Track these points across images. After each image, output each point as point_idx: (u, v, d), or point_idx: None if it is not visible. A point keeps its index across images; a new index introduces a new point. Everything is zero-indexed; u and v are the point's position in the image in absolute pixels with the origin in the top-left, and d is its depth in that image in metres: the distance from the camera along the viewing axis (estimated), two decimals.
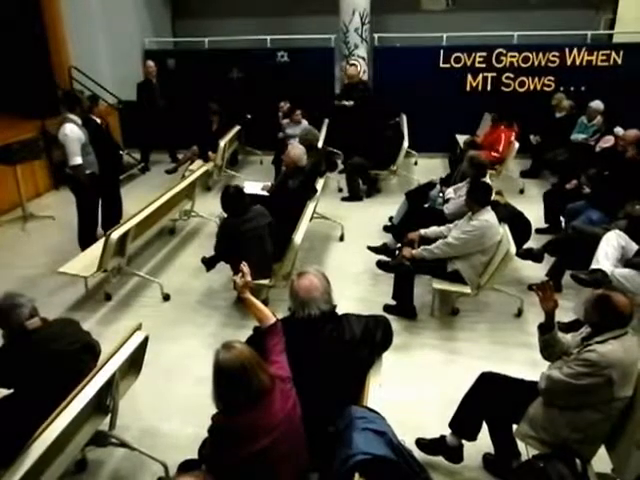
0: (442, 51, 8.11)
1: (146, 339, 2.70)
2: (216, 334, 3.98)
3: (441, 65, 8.15)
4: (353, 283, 4.68)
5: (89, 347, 2.62)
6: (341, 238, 5.65)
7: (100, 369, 2.42)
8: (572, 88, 7.87)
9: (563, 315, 3.67)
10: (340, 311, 2.40)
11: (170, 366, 3.64)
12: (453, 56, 8.10)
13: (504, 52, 8.05)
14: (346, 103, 7.50)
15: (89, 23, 8.35)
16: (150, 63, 8.03)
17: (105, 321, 4.25)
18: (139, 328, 2.69)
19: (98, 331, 3.70)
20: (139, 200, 5.04)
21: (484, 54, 8.07)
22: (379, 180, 7.00)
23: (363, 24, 8.57)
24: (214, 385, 1.93)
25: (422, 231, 4.28)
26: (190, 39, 9.10)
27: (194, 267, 4.80)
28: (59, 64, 7.84)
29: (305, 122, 7.30)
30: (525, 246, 4.56)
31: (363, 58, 8.71)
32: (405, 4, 9.69)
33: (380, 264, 4.38)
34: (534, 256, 4.54)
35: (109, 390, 2.59)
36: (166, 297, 4.54)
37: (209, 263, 4.26)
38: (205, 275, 4.44)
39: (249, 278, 2.44)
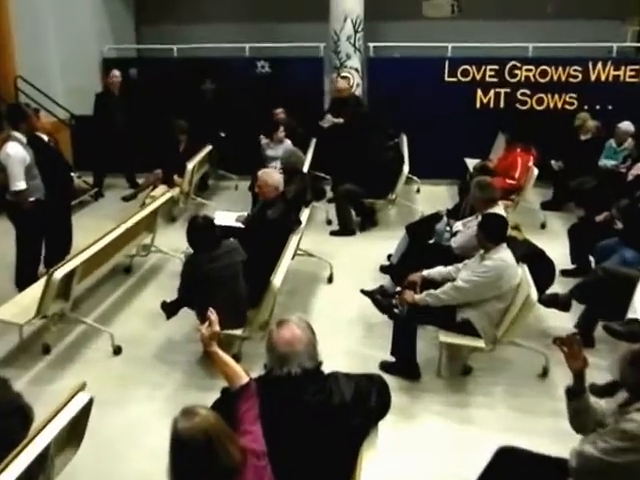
0: (447, 63, 8.22)
1: (90, 402, 2.60)
2: (175, 397, 3.87)
3: (447, 79, 8.22)
4: (344, 334, 4.60)
5: (20, 412, 2.48)
6: (329, 279, 5.59)
7: (31, 440, 2.29)
8: (597, 107, 7.98)
9: (597, 375, 3.54)
10: (327, 369, 2.33)
11: (118, 436, 3.51)
12: (460, 69, 8.17)
13: (518, 65, 8.17)
14: (335, 120, 7.52)
15: (39, 28, 8.36)
16: (116, 73, 8.07)
17: (41, 380, 4.13)
18: (82, 389, 2.59)
19: (32, 392, 3.47)
20: (90, 232, 4.98)
21: (496, 67, 8.17)
22: (375, 211, 6.91)
23: (356, 32, 8.67)
24: (171, 460, 1.85)
25: (426, 272, 4.22)
26: (156, 46, 9.15)
27: (152, 313, 4.70)
28: (3, 74, 7.83)
29: (288, 142, 7.26)
30: (549, 291, 4.53)
31: (356, 69, 8.78)
32: (404, 10, 9.91)
33: (375, 301, 4.40)
34: (560, 303, 4.48)
35: (42, 466, 2.43)
36: (117, 350, 4.45)
37: (170, 309, 4.18)
38: (165, 323, 4.33)
39: (217, 328, 2.38)
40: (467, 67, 8.15)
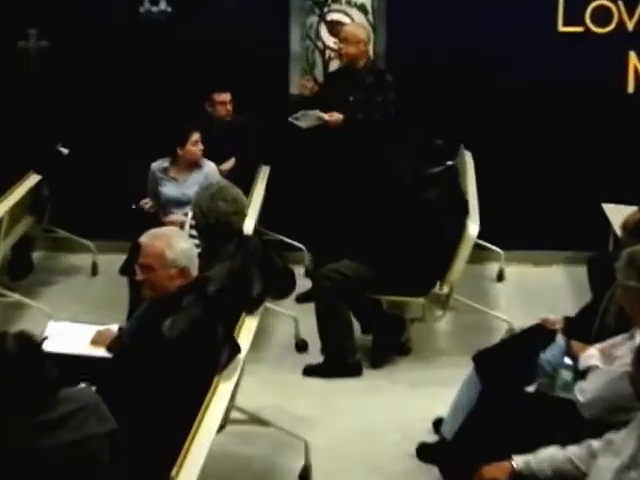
0: None
1: None
2: None
3: (561, 28, 6.00)
4: None
5: None
6: None
7: None
8: None
9: None
10: None
11: None
12: (591, 6, 5.90)
13: None
14: (324, 117, 5.52)
15: None
16: None
17: None
18: None
19: None
20: None
21: None
22: (405, 323, 5.27)
23: None
24: None
25: (520, 460, 3.13)
26: None
27: None
28: None
29: (211, 166, 5.37)
30: None
31: (362, 8, 6.48)
32: None
33: None
34: None
35: None
36: None
37: None
38: None
39: None
40: (607, 3, 5.95)
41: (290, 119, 5.65)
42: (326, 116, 5.58)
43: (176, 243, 3.42)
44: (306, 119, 5.69)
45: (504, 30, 6.12)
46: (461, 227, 5.09)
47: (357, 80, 5.70)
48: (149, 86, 6.22)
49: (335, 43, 6.00)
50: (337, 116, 5.59)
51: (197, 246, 4.00)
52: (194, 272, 3.40)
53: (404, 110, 5.67)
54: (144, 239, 3.54)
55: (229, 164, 5.70)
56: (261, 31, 6.34)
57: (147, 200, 5.57)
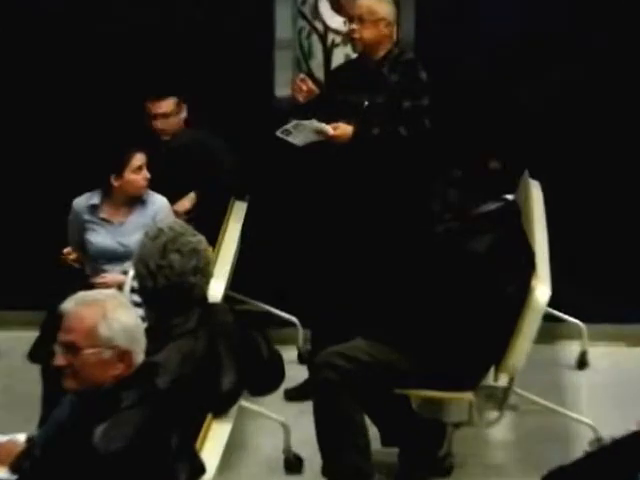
0: None
1: None
2: None
3: None
4: None
5: None
6: None
7: None
8: None
9: None
10: None
11: None
12: None
13: None
14: (325, 129, 5.30)
15: None
16: None
17: None
18: None
19: None
20: None
21: None
22: (445, 431, 5.19)
23: None
24: None
25: None
26: None
27: None
28: None
29: (160, 203, 5.28)
30: None
31: None
32: None
33: None
34: None
35: None
36: None
37: None
38: None
39: None
40: None
41: (278, 133, 5.28)
42: (329, 129, 5.16)
43: (113, 314, 3.08)
44: (301, 133, 5.44)
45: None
46: (525, 291, 4.91)
47: (375, 77, 5.44)
48: (70, 90, 6.09)
49: (344, 23, 5.61)
50: (345, 129, 5.23)
51: (142, 319, 3.61)
52: (138, 357, 3.38)
53: (440, 121, 5.42)
54: (67, 307, 3.22)
55: (188, 201, 5.45)
56: (229, 8, 6.12)
57: (69, 249, 5.30)
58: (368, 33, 5.58)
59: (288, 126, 5.54)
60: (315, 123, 5.47)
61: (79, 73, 6.37)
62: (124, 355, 3.35)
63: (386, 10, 5.66)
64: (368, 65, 5.69)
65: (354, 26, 5.61)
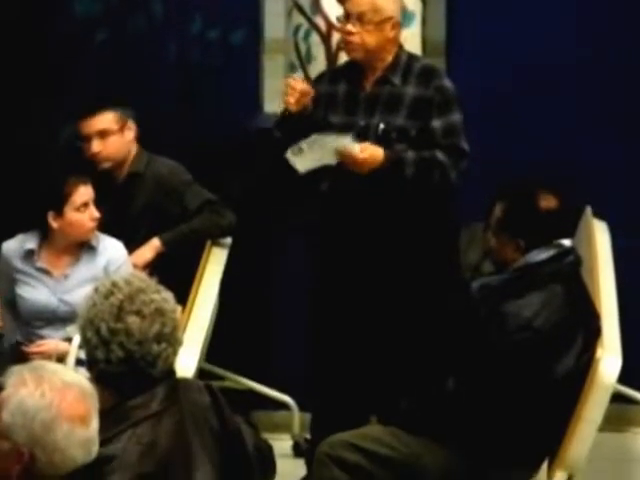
0: None
1: None
2: None
3: None
4: None
5: None
6: None
7: None
8: None
9: None
10: None
11: None
12: None
13: None
14: (355, 150, 4.51)
15: None
16: None
17: None
18: None
19: None
20: None
21: None
22: None
23: None
24: None
25: None
26: None
27: None
28: None
29: (113, 250, 4.82)
30: None
31: None
32: None
33: None
34: None
35: None
36: None
37: None
38: None
39: None
40: None
41: (289, 154, 4.45)
42: (358, 150, 4.27)
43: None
44: (315, 154, 4.52)
45: None
46: (587, 362, 4.44)
47: (388, 91, 4.70)
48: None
49: (337, 20, 4.79)
50: (375, 152, 4.37)
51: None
52: (91, 453, 3.21)
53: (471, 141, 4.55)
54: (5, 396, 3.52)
55: (149, 250, 4.81)
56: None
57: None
58: (372, 38, 4.74)
59: (303, 143, 4.56)
60: (341, 139, 4.48)
61: (20, 90, 5.81)
62: (62, 466, 2.69)
63: (392, 7, 4.78)
64: (375, 75, 4.94)
65: (351, 27, 4.73)
